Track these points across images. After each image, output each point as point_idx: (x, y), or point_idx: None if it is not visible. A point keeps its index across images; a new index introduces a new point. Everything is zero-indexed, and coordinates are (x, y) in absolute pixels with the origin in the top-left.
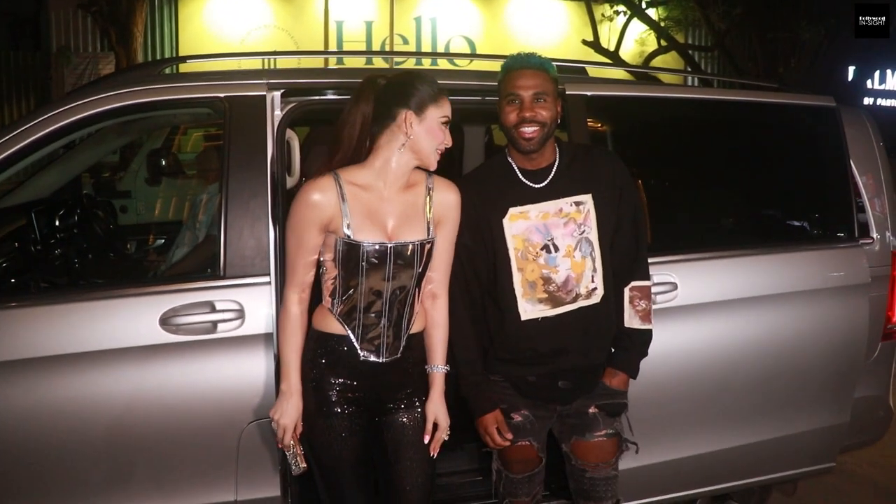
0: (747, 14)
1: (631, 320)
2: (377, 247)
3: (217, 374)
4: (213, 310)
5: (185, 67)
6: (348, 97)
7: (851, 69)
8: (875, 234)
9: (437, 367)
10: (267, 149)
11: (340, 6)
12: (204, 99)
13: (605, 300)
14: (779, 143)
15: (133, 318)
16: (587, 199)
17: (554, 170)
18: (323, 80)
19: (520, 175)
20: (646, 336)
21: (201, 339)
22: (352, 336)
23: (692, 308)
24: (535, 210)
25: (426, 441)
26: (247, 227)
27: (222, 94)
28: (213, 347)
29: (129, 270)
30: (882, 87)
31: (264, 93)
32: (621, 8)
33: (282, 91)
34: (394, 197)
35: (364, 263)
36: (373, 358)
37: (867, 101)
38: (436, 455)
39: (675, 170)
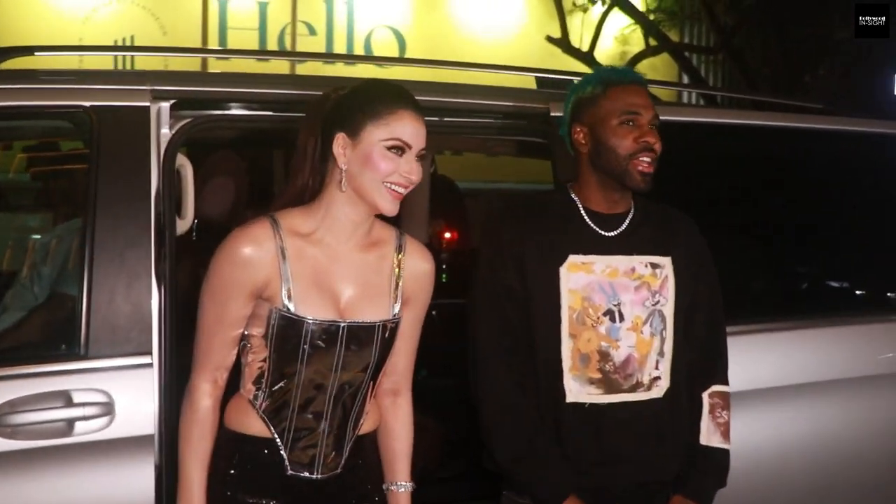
0: (763, 5)
1: (710, 436)
2: (326, 325)
3: (73, 494)
4: (69, 403)
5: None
6: (262, 112)
7: None
8: None
9: (402, 486)
10: (150, 179)
11: None
12: (61, 108)
13: (669, 396)
14: (825, 185)
15: None
16: (666, 262)
17: (629, 219)
18: (228, 89)
19: (586, 217)
20: (726, 458)
21: (50, 445)
22: (278, 441)
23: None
24: (601, 263)
25: None
26: (120, 286)
27: (87, 103)
28: (69, 456)
29: None
30: None
31: (147, 103)
32: None
33: (172, 101)
34: (350, 256)
35: (306, 346)
36: (304, 473)
37: None
38: None
39: (709, 214)
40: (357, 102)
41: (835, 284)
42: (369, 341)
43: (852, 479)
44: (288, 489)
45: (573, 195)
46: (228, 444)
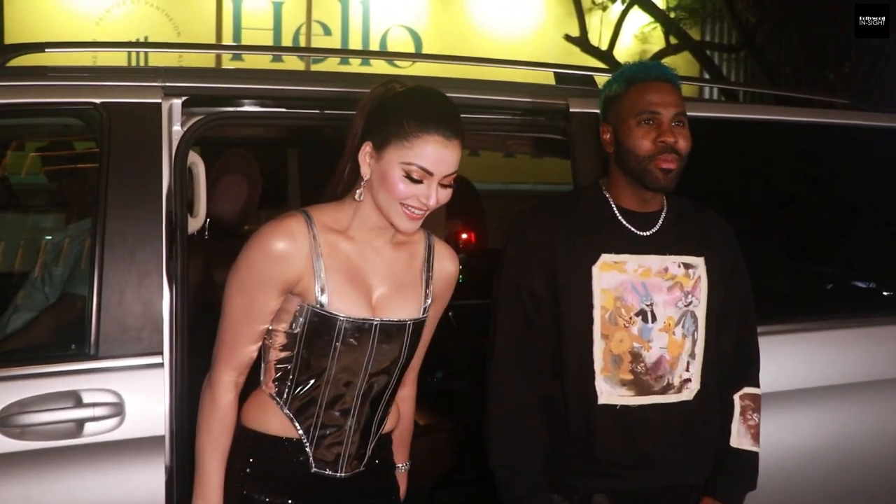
0: (785, 3)
1: (741, 439)
2: (359, 323)
3: (83, 496)
4: (79, 403)
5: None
6: (276, 110)
7: None
8: None
9: (403, 467)
10: (162, 177)
11: None
12: (72, 105)
13: (700, 398)
14: (849, 182)
15: None
16: (699, 263)
17: (662, 218)
18: (241, 86)
19: (619, 215)
20: (755, 461)
21: (60, 446)
22: (304, 439)
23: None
24: (634, 262)
25: None
26: (131, 286)
27: (98, 100)
28: (78, 457)
29: None
30: None
31: (159, 100)
32: None
33: (183, 98)
34: (382, 252)
35: (338, 344)
36: (327, 471)
37: None
38: None
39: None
40: (391, 113)
41: (862, 285)
42: (399, 339)
43: (878, 484)
44: (308, 487)
45: (605, 193)
46: (246, 442)
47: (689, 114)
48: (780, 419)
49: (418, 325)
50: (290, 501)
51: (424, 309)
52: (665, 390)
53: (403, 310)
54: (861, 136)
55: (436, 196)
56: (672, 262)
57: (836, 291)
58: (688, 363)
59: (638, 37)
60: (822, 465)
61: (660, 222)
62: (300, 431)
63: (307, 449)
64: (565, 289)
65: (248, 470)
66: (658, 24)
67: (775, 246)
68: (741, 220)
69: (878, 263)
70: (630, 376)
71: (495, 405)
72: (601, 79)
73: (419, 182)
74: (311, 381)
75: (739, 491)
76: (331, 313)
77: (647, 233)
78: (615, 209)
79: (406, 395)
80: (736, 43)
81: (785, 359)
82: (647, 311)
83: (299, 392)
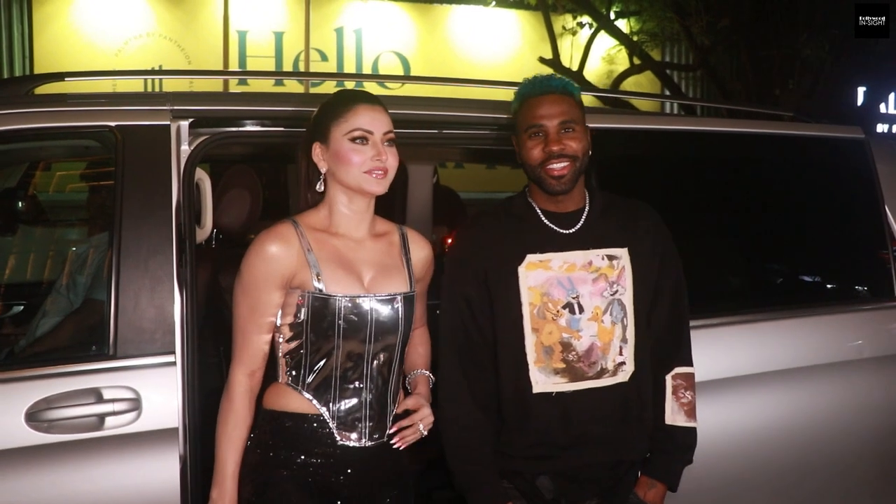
0: (736, 27)
1: (674, 416)
2: (355, 300)
3: (104, 484)
4: (100, 399)
5: (53, 87)
6: (274, 129)
7: (861, 91)
8: None
9: (423, 372)
10: (171, 192)
11: (243, 13)
12: (89, 128)
13: (634, 380)
14: (796, 184)
15: None
16: (622, 253)
17: (584, 215)
18: (242, 107)
19: (543, 217)
20: (691, 436)
21: (83, 439)
22: (326, 415)
23: (699, 387)
24: (558, 259)
25: (393, 430)
26: (145, 291)
27: (113, 123)
28: (100, 448)
29: None
30: None
31: (168, 122)
32: (586, 19)
33: (190, 120)
34: (364, 244)
35: (340, 322)
36: (353, 442)
37: (881, 127)
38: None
39: (666, 217)
40: (323, 113)
41: (805, 278)
42: (395, 312)
43: (826, 460)
44: (331, 457)
45: (530, 199)
46: (268, 421)
47: (656, 126)
48: (734, 403)
49: (408, 299)
50: (309, 467)
51: (411, 284)
52: (600, 375)
53: (392, 286)
54: (803, 144)
55: (385, 152)
56: (596, 256)
57: (783, 286)
58: (620, 348)
59: (605, 58)
60: (771, 442)
61: (582, 219)
62: (321, 408)
63: (331, 423)
64: (495, 290)
65: (269, 443)
66: (623, 47)
67: (729, 245)
68: (696, 222)
69: (820, 259)
70: (563, 365)
71: (444, 405)
72: None
73: (365, 144)
74: (323, 361)
75: (674, 467)
76: (329, 294)
77: (571, 230)
78: (539, 212)
79: (421, 333)
80: (692, 63)
81: (738, 347)
82: (573, 303)
83: (314, 373)
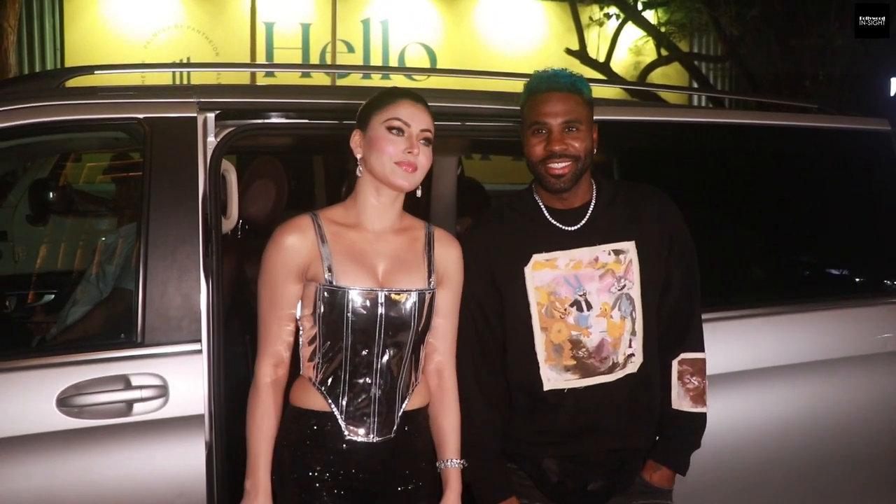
0: (765, 17)
1: (680, 401)
2: (365, 293)
3: (133, 469)
4: (128, 386)
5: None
6: (299, 121)
7: (894, 81)
8: None
9: (452, 462)
10: (198, 184)
11: (270, 5)
12: (118, 121)
13: (643, 370)
14: (820, 177)
15: (22, 399)
16: (629, 247)
17: (590, 210)
18: (267, 100)
19: (548, 215)
20: (698, 421)
21: (112, 424)
22: (335, 410)
23: (714, 380)
24: (564, 258)
25: None
26: (172, 281)
27: (141, 115)
28: (128, 434)
29: (11, 335)
30: None
31: (194, 114)
32: (613, 10)
33: (216, 112)
34: (385, 237)
35: (350, 315)
36: (360, 437)
37: None
38: None
39: (691, 209)
40: (369, 105)
41: (832, 271)
42: (409, 308)
43: (848, 453)
44: (344, 454)
45: (536, 196)
46: (294, 418)
47: (689, 119)
48: (754, 395)
49: (423, 295)
50: (332, 470)
51: (430, 282)
52: (611, 369)
53: (407, 281)
54: (828, 136)
55: (418, 148)
56: (602, 251)
57: (811, 278)
58: (630, 340)
59: (632, 49)
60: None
61: (587, 215)
62: (332, 403)
63: (340, 420)
64: (503, 291)
65: (297, 442)
66: (650, 38)
67: (755, 237)
68: (723, 215)
69: (847, 252)
70: (573, 362)
71: (460, 395)
72: (592, 88)
73: (400, 135)
74: (334, 355)
75: (679, 451)
76: (339, 286)
77: (576, 227)
78: (545, 210)
79: (447, 388)
80: (721, 54)
81: (764, 339)
82: (580, 300)
83: (326, 368)
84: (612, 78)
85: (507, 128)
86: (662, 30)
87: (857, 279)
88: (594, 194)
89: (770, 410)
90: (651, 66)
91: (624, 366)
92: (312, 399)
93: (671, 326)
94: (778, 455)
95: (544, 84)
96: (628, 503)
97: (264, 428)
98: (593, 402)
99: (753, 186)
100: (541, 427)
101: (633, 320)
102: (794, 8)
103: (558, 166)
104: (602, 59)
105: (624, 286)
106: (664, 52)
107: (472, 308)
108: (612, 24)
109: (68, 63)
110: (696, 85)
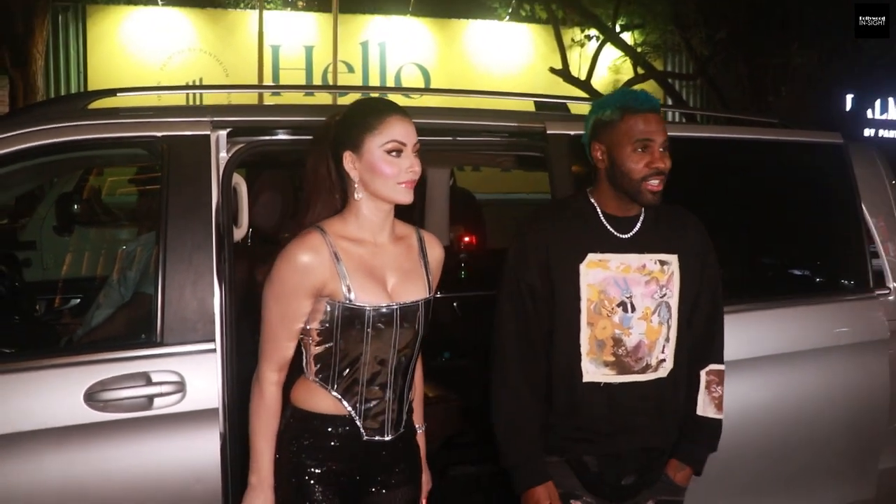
0: (732, 38)
1: (705, 408)
2: (383, 310)
3: (154, 457)
4: (149, 382)
5: (105, 102)
6: (304, 137)
7: (849, 97)
8: (892, 284)
9: (420, 428)
10: (211, 195)
11: (276, 29)
12: (139, 139)
13: (672, 376)
14: (781, 185)
15: (52, 394)
16: (673, 259)
17: (640, 221)
18: (275, 118)
19: (604, 220)
20: (718, 427)
21: (135, 417)
22: (354, 414)
23: None
24: (616, 260)
25: None
26: (188, 285)
27: (160, 133)
28: (149, 426)
29: (41, 336)
30: (884, 116)
31: (208, 132)
32: (593, 32)
33: (228, 130)
34: (386, 248)
35: (369, 330)
36: (377, 437)
37: (868, 132)
38: None
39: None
40: (353, 122)
41: (794, 272)
42: (416, 318)
43: (810, 436)
44: (357, 453)
45: (592, 200)
46: (300, 422)
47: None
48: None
49: (428, 303)
50: (332, 466)
51: (429, 288)
52: (644, 370)
53: (414, 292)
54: (787, 148)
55: (416, 163)
56: (649, 260)
57: (775, 279)
58: (663, 346)
59: (611, 68)
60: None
61: (638, 225)
62: (349, 408)
63: (357, 422)
64: (557, 283)
65: (303, 443)
66: (627, 58)
67: (724, 241)
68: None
69: (807, 255)
70: (612, 358)
71: (498, 385)
72: (573, 106)
73: (399, 157)
74: (351, 365)
75: (702, 454)
76: (358, 305)
77: (628, 235)
78: (601, 215)
79: (417, 369)
80: (692, 72)
81: (731, 335)
82: (626, 302)
83: (344, 375)
84: (594, 95)
85: (496, 142)
86: (639, 50)
87: (816, 279)
88: (642, 208)
89: (736, 400)
90: (629, 84)
91: (656, 369)
92: (321, 403)
93: (702, 340)
94: (742, 442)
95: (645, 104)
96: (654, 497)
97: (269, 428)
98: (627, 399)
99: (723, 195)
100: (579, 424)
101: (669, 327)
102: (758, 30)
103: (656, 182)
104: (584, 77)
105: (665, 294)
106: (640, 71)
107: (525, 294)
108: (593, 45)
109: (91, 84)
110: (670, 101)
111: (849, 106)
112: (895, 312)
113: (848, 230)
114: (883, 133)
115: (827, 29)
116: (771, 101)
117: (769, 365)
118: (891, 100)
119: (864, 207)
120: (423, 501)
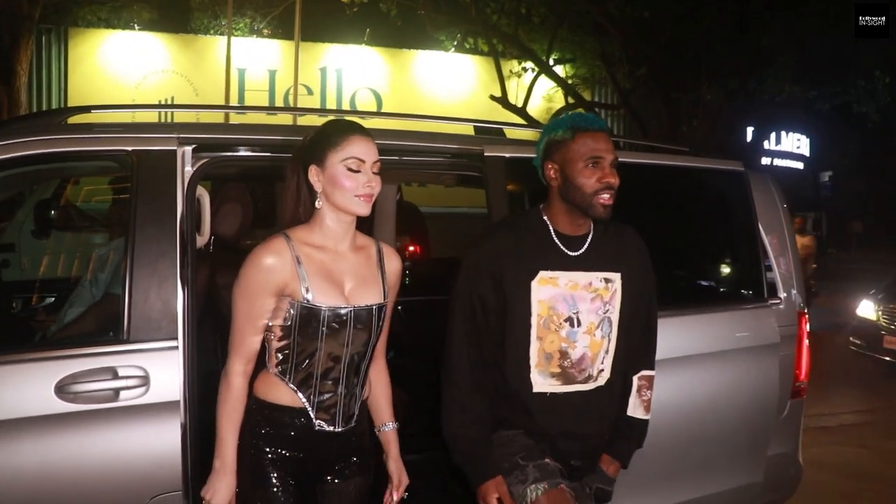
0: (651, 74)
1: (635, 409)
2: (338, 311)
3: (120, 445)
4: (116, 376)
5: (82, 117)
6: (262, 154)
7: (750, 130)
8: (782, 294)
9: (389, 426)
10: (177, 205)
11: (243, 53)
12: (111, 152)
13: (609, 384)
14: (690, 206)
15: (26, 386)
16: (616, 277)
17: (589, 240)
18: (236, 136)
19: (555, 238)
20: (644, 427)
21: (102, 408)
22: (307, 405)
23: None
24: (565, 278)
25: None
26: (153, 287)
27: (130, 148)
28: (116, 417)
29: (17, 332)
30: (778, 147)
31: (175, 147)
32: (529, 65)
33: (193, 146)
34: (346, 256)
35: (324, 328)
36: (328, 427)
37: (765, 160)
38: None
39: None
40: (320, 139)
41: (701, 283)
42: (369, 321)
43: (708, 431)
44: (310, 441)
45: (545, 217)
46: (260, 411)
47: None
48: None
49: (381, 308)
50: (287, 453)
51: (384, 294)
52: (586, 380)
53: (369, 297)
54: (695, 174)
55: (374, 180)
56: (595, 277)
57: (685, 289)
58: (603, 358)
59: (545, 97)
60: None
61: (587, 243)
62: (304, 400)
63: (311, 413)
64: (509, 298)
65: (261, 431)
66: (560, 88)
67: None
68: None
69: (712, 268)
70: (559, 370)
71: (448, 388)
72: (509, 131)
73: (358, 172)
74: (307, 360)
75: (630, 450)
76: (315, 305)
77: (577, 252)
78: (552, 233)
79: (381, 368)
80: (617, 103)
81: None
82: (573, 317)
83: (300, 369)
84: (529, 121)
85: (439, 162)
86: (569, 82)
87: (720, 289)
88: (591, 226)
89: (654, 398)
90: (560, 112)
91: (596, 378)
92: (281, 395)
93: (637, 349)
94: (658, 434)
95: (595, 124)
96: (592, 485)
97: (233, 417)
98: (570, 406)
99: (642, 213)
100: (537, 430)
101: (609, 340)
102: (674, 68)
103: (607, 197)
104: (520, 104)
105: (608, 310)
106: (571, 100)
107: (475, 303)
108: (529, 76)
109: (71, 100)
110: None
111: (749, 137)
112: (785, 319)
113: (747, 247)
114: (777, 162)
115: (732, 69)
116: (684, 130)
117: (680, 366)
118: (783, 132)
119: (760, 227)
120: (396, 495)
